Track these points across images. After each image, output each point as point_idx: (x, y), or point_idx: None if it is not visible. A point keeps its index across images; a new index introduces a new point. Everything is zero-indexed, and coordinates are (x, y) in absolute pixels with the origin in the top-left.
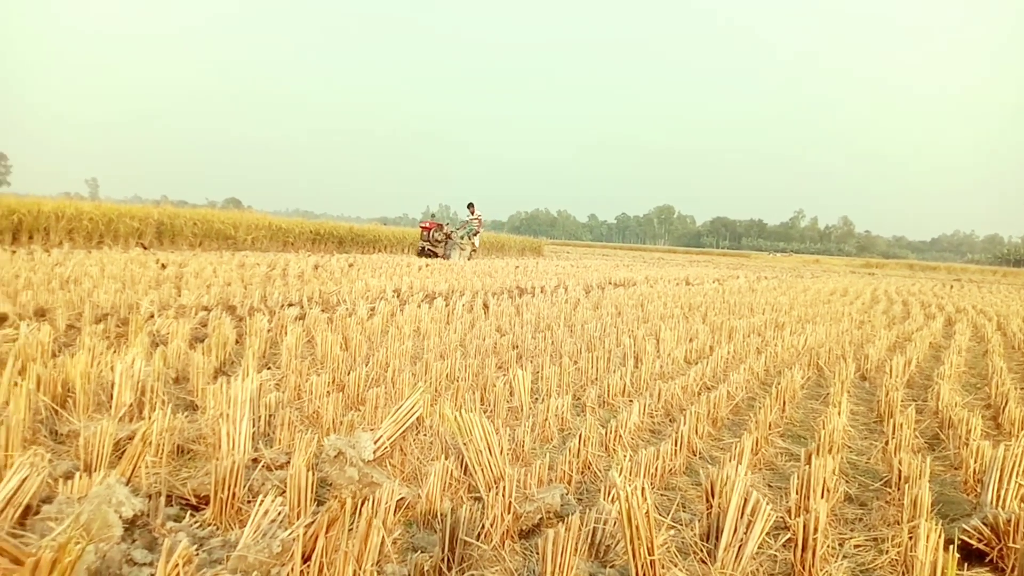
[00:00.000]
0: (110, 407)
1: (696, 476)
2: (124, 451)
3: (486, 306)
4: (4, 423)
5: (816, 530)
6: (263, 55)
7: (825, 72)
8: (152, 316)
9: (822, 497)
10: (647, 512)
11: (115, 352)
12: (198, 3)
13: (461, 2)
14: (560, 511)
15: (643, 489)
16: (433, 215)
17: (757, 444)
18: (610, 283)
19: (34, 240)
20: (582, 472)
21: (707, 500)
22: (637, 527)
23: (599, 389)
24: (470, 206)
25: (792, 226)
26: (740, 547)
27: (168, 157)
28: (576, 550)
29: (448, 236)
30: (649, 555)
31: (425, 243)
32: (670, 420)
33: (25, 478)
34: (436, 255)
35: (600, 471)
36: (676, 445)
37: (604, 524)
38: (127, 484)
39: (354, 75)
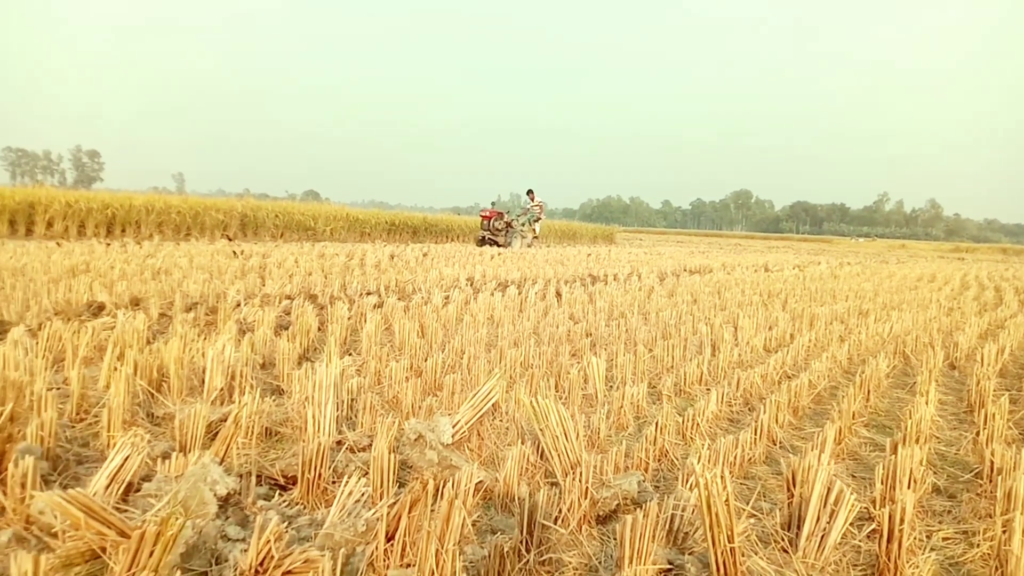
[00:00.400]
0: (202, 391)
1: (776, 466)
2: (216, 433)
3: (559, 294)
4: (107, 405)
5: (902, 521)
6: (331, 49)
7: (909, 56)
8: (239, 305)
9: (909, 488)
10: (727, 499)
11: (205, 339)
12: None
13: None
14: (637, 498)
15: (723, 476)
16: (493, 203)
17: (840, 434)
18: (685, 270)
19: (126, 233)
20: (659, 460)
21: (788, 489)
22: (717, 514)
23: (675, 377)
24: (530, 192)
25: (876, 210)
26: (823, 537)
27: (248, 151)
28: (654, 536)
29: (509, 224)
30: (729, 543)
31: (486, 232)
32: (749, 409)
33: (127, 457)
34: (497, 243)
35: (677, 459)
36: (756, 434)
37: (682, 511)
38: (220, 464)
39: (422, 67)
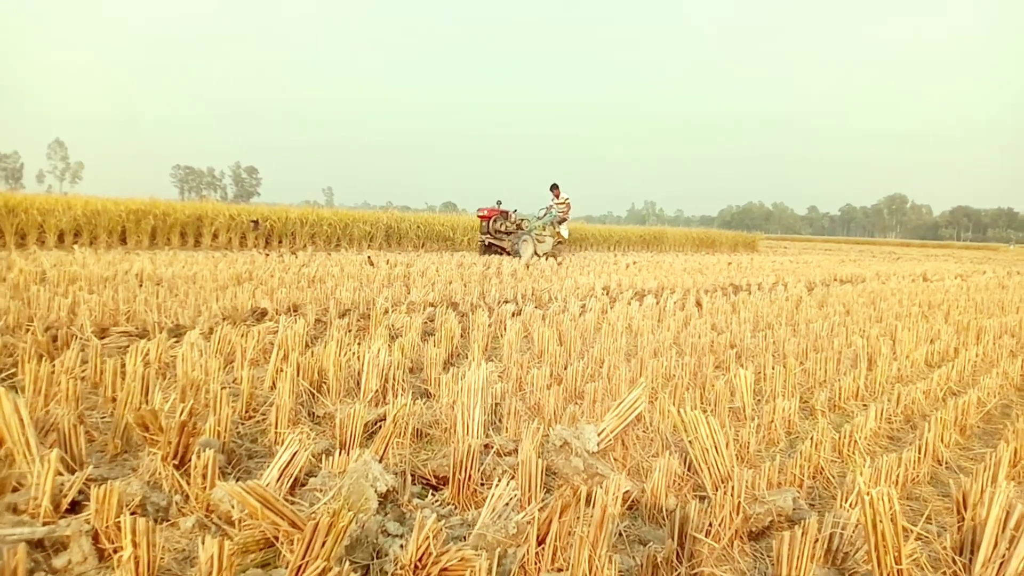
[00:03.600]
0: (358, 392)
1: (941, 487)
2: (372, 432)
3: (699, 303)
4: (274, 404)
5: None
6: (466, 62)
7: None
8: (387, 311)
9: None
10: (894, 518)
11: (359, 343)
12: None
13: None
14: (792, 515)
15: (889, 495)
16: (499, 202)
17: (1016, 455)
18: (835, 279)
19: (283, 244)
20: (813, 477)
21: (958, 512)
22: (883, 534)
23: (829, 392)
24: (554, 188)
25: None
26: (1001, 564)
27: (389, 165)
28: (813, 555)
29: (518, 226)
30: (896, 564)
31: (485, 236)
32: (911, 427)
33: (295, 453)
34: (502, 250)
35: (833, 477)
36: (919, 453)
37: (842, 530)
38: (380, 462)
39: (557, 76)
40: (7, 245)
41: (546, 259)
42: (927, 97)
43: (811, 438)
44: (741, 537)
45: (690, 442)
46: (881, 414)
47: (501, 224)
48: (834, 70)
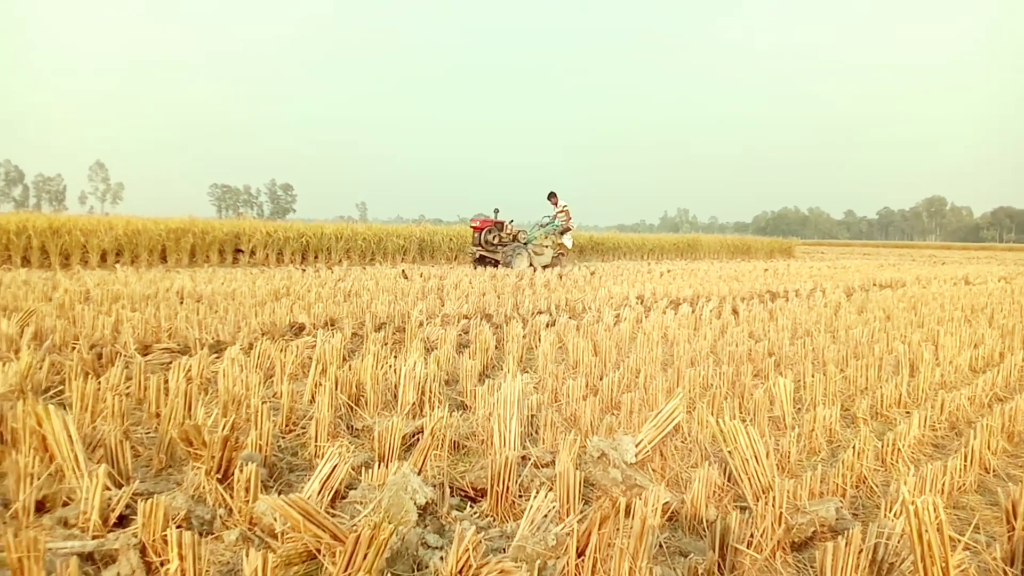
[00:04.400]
0: (395, 405)
1: (990, 495)
2: (410, 444)
3: (735, 311)
4: (314, 418)
5: None
6: (490, 78)
7: None
8: (422, 324)
9: None
10: (940, 528)
11: (395, 356)
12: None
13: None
14: (835, 525)
15: (935, 504)
16: (497, 211)
17: None
18: (874, 284)
19: (319, 259)
20: (856, 486)
21: (1008, 521)
22: (929, 544)
23: (871, 399)
24: (552, 197)
25: None
26: None
27: (421, 179)
28: (857, 566)
29: (514, 237)
30: (943, 575)
31: (477, 248)
32: (956, 434)
33: (335, 466)
34: (496, 263)
35: (876, 486)
36: (965, 461)
37: (887, 540)
38: (418, 475)
39: (584, 84)
40: (52, 265)
41: (535, 271)
42: (966, 98)
43: (853, 447)
44: (783, 548)
45: (729, 452)
46: (925, 421)
47: (494, 236)
48: (868, 74)
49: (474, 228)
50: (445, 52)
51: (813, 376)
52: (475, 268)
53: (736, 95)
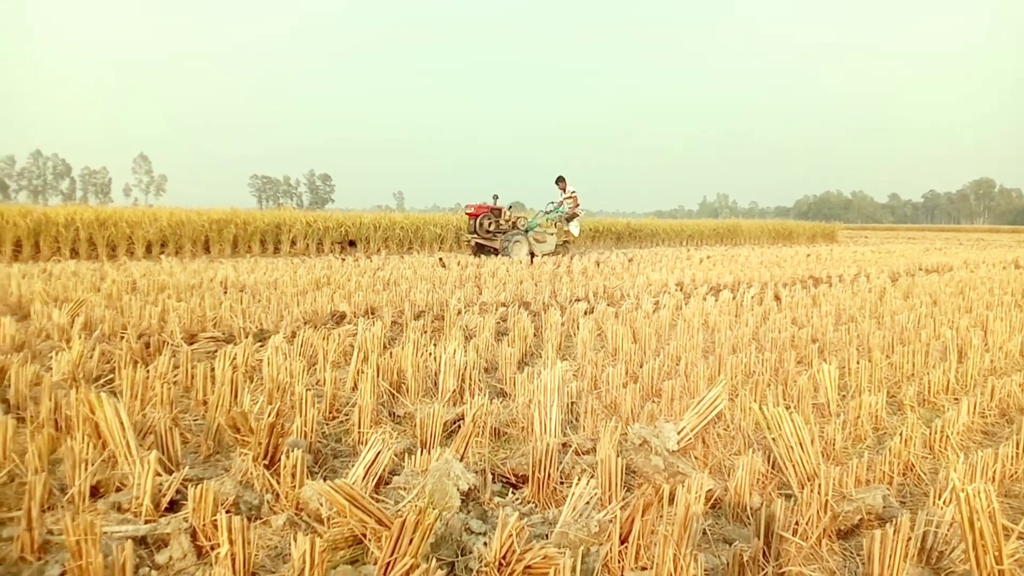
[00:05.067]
0: (435, 392)
1: None
2: (451, 431)
3: (777, 297)
4: (356, 405)
5: None
6: (526, 68)
7: None
8: (460, 312)
9: None
10: (992, 516)
11: (435, 344)
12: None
13: None
14: (882, 513)
15: (987, 491)
16: (496, 196)
17: None
18: (920, 269)
19: (357, 248)
20: (903, 474)
21: None
22: (980, 532)
23: (918, 386)
24: (560, 181)
25: None
26: None
27: (456, 168)
28: (906, 554)
29: (514, 224)
30: (996, 564)
31: (473, 235)
32: (1007, 421)
33: (379, 452)
34: (494, 251)
35: (924, 473)
36: (1018, 448)
37: (936, 528)
38: (460, 461)
39: (627, 75)
40: (99, 257)
41: (531, 260)
42: (1016, 79)
43: (900, 434)
44: (829, 536)
45: (774, 439)
46: (974, 408)
47: (491, 222)
48: (913, 60)
49: (469, 215)
50: (482, 45)
51: (858, 362)
52: (474, 256)
53: (776, 80)
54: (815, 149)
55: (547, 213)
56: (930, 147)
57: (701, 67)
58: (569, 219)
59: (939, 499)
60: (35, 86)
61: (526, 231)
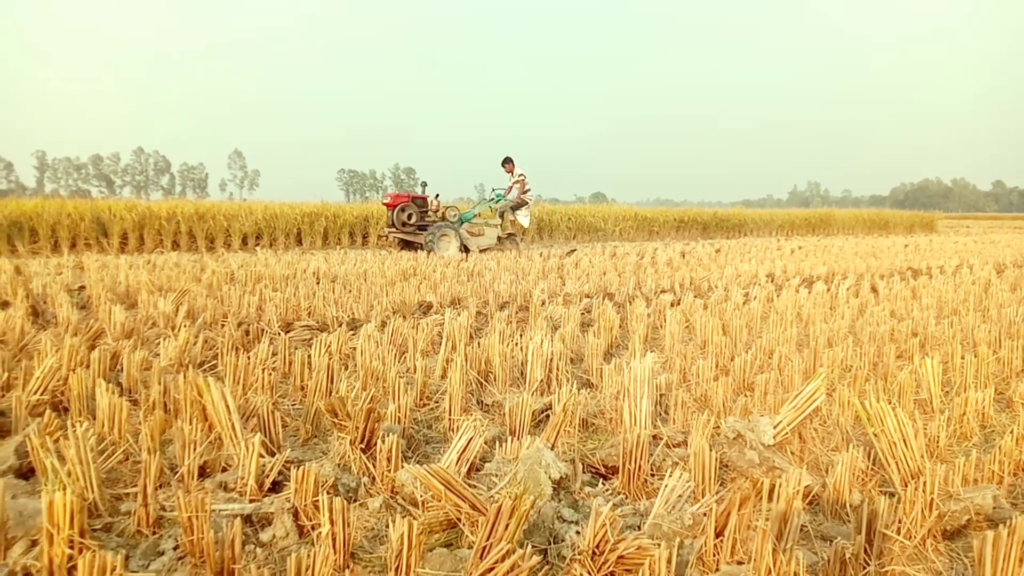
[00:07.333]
0: (522, 381)
1: None
2: (539, 421)
3: (874, 289)
4: (447, 392)
5: None
6: (608, 52)
7: None
8: (544, 303)
9: None
10: None
11: (520, 334)
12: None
13: None
14: (992, 514)
15: None
16: (424, 184)
17: None
18: None
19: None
20: (1015, 474)
21: None
22: None
23: None
24: (507, 162)
25: None
26: None
27: (544, 156)
28: (1021, 558)
29: (443, 216)
30: None
31: (391, 229)
32: None
33: (471, 439)
34: (415, 245)
35: None
36: None
37: None
38: (551, 450)
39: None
40: (199, 248)
41: (465, 254)
42: None
43: (1011, 432)
44: (934, 536)
45: (875, 435)
46: None
47: (410, 214)
48: (1013, 34)
49: (386, 206)
50: (551, 34)
51: (963, 357)
52: (402, 250)
53: (869, 62)
54: (914, 134)
55: (491, 202)
56: None
57: (790, 50)
58: (515, 208)
59: None
60: (142, 87)
61: (460, 223)
